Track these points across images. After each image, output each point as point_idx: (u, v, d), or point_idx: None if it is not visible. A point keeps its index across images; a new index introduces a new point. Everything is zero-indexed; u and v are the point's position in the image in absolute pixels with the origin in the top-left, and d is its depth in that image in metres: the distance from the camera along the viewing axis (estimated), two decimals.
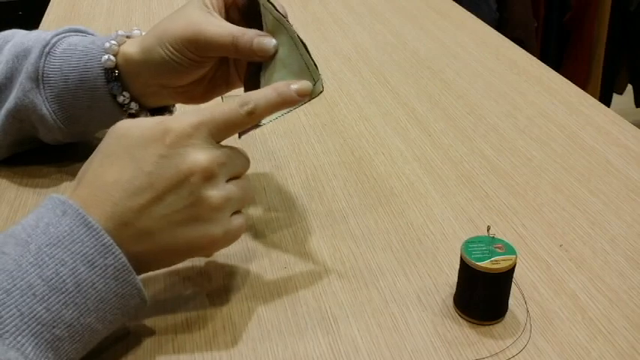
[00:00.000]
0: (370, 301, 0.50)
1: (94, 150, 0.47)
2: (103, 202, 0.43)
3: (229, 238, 0.47)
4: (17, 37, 0.63)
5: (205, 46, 0.54)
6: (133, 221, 0.43)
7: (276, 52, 0.53)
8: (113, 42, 0.58)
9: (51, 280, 0.39)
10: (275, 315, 0.49)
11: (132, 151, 0.44)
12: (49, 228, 0.41)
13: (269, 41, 0.53)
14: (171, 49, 0.54)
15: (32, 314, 0.38)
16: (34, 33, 0.63)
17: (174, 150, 0.44)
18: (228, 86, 0.61)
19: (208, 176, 0.44)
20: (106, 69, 0.58)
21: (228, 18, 0.57)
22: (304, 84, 0.49)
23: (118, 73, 0.58)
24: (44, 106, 0.59)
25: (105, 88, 0.58)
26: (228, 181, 0.46)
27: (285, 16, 0.53)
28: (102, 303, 0.41)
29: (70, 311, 0.39)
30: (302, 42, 0.51)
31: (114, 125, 0.46)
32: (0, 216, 0.59)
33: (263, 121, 0.50)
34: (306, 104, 0.51)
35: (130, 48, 0.58)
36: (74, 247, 0.40)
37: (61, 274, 0.39)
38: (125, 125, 0.45)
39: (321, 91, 0.50)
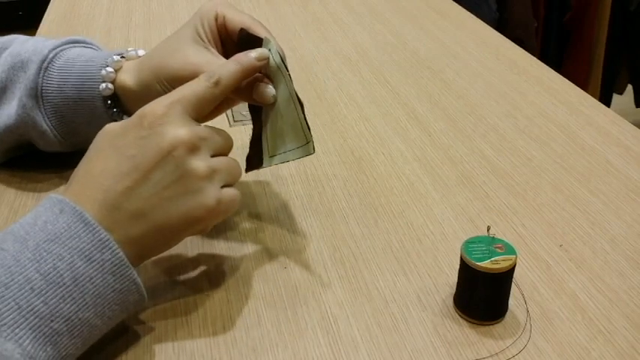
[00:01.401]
0: (370, 301, 0.50)
1: None
2: (93, 192, 0.43)
3: (223, 208, 0.47)
4: (15, 45, 0.62)
5: None
6: (125, 204, 0.44)
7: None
8: (110, 69, 0.57)
9: (49, 274, 0.40)
10: (275, 315, 0.49)
11: (114, 142, 0.45)
12: (47, 225, 0.41)
13: (270, 90, 0.52)
14: (168, 86, 0.54)
15: (30, 308, 0.39)
16: (31, 42, 0.62)
17: (153, 130, 0.45)
18: (229, 106, 0.60)
19: (191, 148, 0.45)
20: (104, 96, 0.58)
21: (224, 50, 0.56)
22: (262, 51, 0.51)
23: (117, 98, 0.58)
24: (44, 122, 0.60)
25: (104, 110, 0.59)
26: (212, 157, 0.47)
27: (284, 60, 0.52)
28: (100, 298, 0.41)
29: (68, 305, 0.40)
30: (299, 100, 0.51)
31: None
32: (0, 216, 0.59)
33: (264, 164, 0.53)
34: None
35: (127, 78, 0.57)
36: (71, 243, 0.41)
37: (58, 268, 0.40)
38: (109, 125, 0.47)
39: (312, 153, 0.52)
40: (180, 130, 0.45)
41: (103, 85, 0.57)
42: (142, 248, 0.45)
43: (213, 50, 0.55)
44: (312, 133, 0.52)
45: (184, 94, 0.47)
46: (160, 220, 0.45)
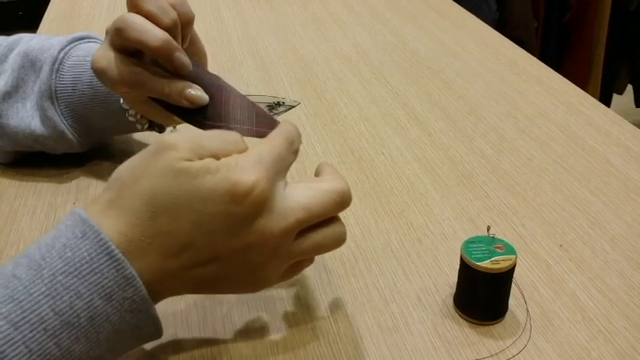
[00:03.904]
0: (370, 301, 0.50)
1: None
2: (149, 252, 0.38)
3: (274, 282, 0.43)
4: (21, 45, 0.63)
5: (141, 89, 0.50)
6: (181, 276, 0.39)
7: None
8: None
9: (64, 314, 0.36)
10: (275, 315, 0.49)
11: (193, 203, 0.38)
12: (66, 251, 0.37)
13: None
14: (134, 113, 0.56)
15: (41, 351, 0.35)
16: (36, 41, 0.63)
17: (249, 216, 0.39)
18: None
19: (295, 232, 0.40)
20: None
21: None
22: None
23: None
24: (61, 122, 0.61)
25: (119, 105, 0.59)
26: (305, 232, 0.41)
27: None
28: (115, 335, 0.38)
29: (81, 345, 0.37)
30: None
31: (162, 155, 0.39)
32: (0, 216, 0.59)
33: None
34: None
35: None
36: (92, 279, 0.36)
37: (75, 307, 0.36)
38: (186, 166, 0.39)
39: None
40: (283, 221, 0.39)
41: None
42: (167, 293, 0.41)
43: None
44: None
45: (273, 160, 0.40)
46: (207, 283, 0.40)
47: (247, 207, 0.38)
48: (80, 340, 0.36)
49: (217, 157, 0.39)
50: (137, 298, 0.38)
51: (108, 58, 0.49)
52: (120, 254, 0.37)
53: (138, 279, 0.37)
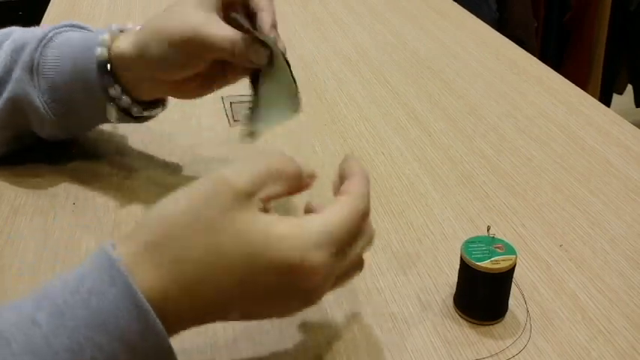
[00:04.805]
0: (370, 301, 0.50)
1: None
2: (183, 313, 0.36)
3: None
4: (16, 33, 0.63)
5: (203, 48, 0.53)
6: (215, 317, 0.38)
7: (271, 62, 0.53)
8: (106, 36, 0.57)
9: None
10: None
11: (249, 267, 0.36)
12: (92, 299, 0.34)
13: (264, 50, 0.53)
14: (166, 46, 0.54)
15: None
16: (32, 28, 0.63)
17: (302, 292, 0.38)
18: (224, 82, 0.60)
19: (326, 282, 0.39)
20: (98, 62, 0.57)
21: (227, 18, 0.57)
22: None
23: (111, 67, 0.58)
24: (37, 98, 0.59)
25: (97, 81, 0.58)
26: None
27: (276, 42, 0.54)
28: None
29: None
30: (287, 62, 0.53)
31: (220, 195, 0.36)
32: (0, 216, 0.59)
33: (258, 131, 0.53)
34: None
35: (124, 42, 0.57)
36: (116, 332, 0.34)
37: None
38: (254, 223, 0.36)
39: (298, 110, 0.55)
40: (322, 279, 0.37)
41: (99, 49, 0.57)
42: (189, 325, 0.38)
43: (216, 15, 0.54)
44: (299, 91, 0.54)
45: (342, 241, 0.38)
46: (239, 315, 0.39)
47: (305, 284, 0.37)
48: None
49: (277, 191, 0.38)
50: (160, 348, 0.35)
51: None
52: (146, 305, 0.34)
53: (163, 330, 0.35)
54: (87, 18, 1.07)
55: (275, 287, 0.36)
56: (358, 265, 0.42)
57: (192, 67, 0.56)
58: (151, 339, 0.34)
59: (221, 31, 0.53)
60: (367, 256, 0.55)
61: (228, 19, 0.56)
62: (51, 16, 1.08)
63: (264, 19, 0.54)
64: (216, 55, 0.54)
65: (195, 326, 0.38)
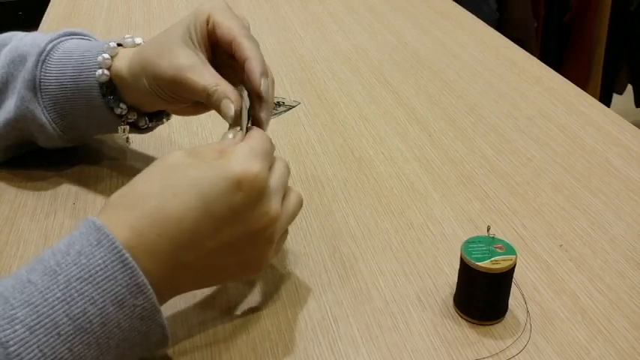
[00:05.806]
0: (370, 301, 0.50)
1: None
2: (159, 244, 0.40)
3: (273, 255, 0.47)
4: (14, 41, 0.62)
5: (183, 92, 0.52)
6: (190, 268, 0.42)
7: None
8: (106, 55, 0.57)
9: (78, 319, 0.37)
10: (275, 315, 0.49)
11: (203, 195, 0.41)
12: (81, 258, 0.38)
13: (230, 109, 0.50)
14: (154, 83, 0.54)
15: (54, 355, 0.36)
16: (29, 37, 0.62)
17: (251, 202, 0.43)
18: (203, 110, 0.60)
19: (276, 222, 0.45)
20: (100, 83, 0.57)
21: (213, 55, 0.54)
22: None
23: (114, 86, 0.58)
24: (43, 115, 0.59)
25: (101, 99, 0.58)
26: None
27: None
28: (124, 341, 0.39)
29: (92, 351, 0.38)
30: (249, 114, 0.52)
31: (169, 155, 0.44)
32: (0, 216, 0.59)
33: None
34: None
35: (122, 65, 0.57)
36: (106, 285, 0.38)
37: (88, 313, 0.37)
38: (194, 166, 0.43)
39: None
40: (276, 203, 0.44)
41: (100, 71, 0.57)
42: (177, 290, 0.44)
43: (201, 54, 0.52)
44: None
45: (265, 152, 0.46)
46: (212, 275, 0.45)
47: (251, 193, 0.42)
48: (92, 346, 0.37)
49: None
50: (147, 305, 0.39)
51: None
52: (133, 262, 0.38)
53: (149, 287, 0.39)
54: (87, 18, 1.07)
55: (237, 206, 0.42)
56: (292, 217, 0.48)
57: (180, 102, 0.56)
58: (136, 291, 0.38)
59: (201, 80, 0.51)
60: (367, 256, 0.55)
61: (214, 56, 0.54)
62: (51, 16, 1.08)
63: (252, 70, 0.50)
64: (196, 98, 0.53)
65: (179, 270, 0.41)
